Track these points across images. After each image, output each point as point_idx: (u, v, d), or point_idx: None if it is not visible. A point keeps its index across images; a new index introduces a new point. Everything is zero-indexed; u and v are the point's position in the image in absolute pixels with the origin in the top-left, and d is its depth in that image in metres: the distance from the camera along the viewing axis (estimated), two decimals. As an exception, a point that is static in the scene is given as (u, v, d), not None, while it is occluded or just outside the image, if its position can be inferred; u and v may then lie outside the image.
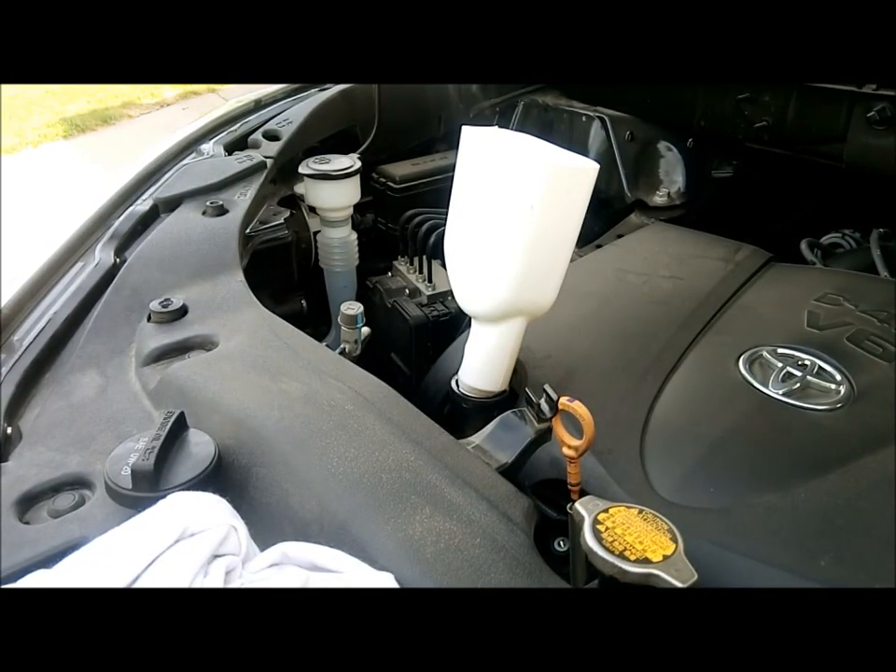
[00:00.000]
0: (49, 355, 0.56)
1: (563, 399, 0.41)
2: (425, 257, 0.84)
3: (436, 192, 0.98)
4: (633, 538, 0.32)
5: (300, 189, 0.93)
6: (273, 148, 0.89)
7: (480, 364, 0.56)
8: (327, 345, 0.60)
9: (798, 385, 0.55)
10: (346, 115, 1.04)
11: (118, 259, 0.66)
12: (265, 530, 0.37)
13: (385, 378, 0.51)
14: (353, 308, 0.69)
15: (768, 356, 0.59)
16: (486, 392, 0.56)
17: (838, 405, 0.53)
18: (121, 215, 0.73)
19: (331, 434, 0.43)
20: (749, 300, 0.69)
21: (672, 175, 1.07)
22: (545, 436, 0.47)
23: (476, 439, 0.48)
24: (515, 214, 0.48)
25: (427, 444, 0.44)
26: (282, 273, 0.85)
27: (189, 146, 0.89)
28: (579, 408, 0.39)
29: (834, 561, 0.40)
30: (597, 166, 0.48)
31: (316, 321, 0.93)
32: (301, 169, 0.88)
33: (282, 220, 0.82)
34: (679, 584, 0.30)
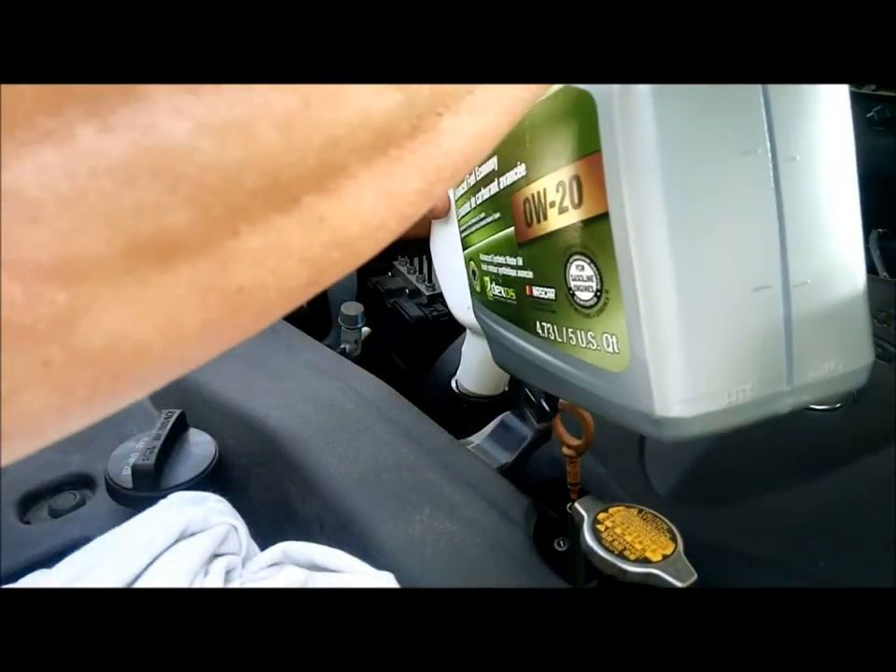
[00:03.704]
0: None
1: (562, 399, 0.41)
2: (424, 257, 0.84)
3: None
4: (632, 537, 0.32)
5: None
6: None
7: (476, 371, 0.56)
8: (327, 345, 0.60)
9: (798, 385, 0.55)
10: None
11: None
12: (265, 529, 0.37)
13: (385, 378, 0.51)
14: (353, 308, 0.69)
15: (768, 356, 0.59)
16: (485, 395, 0.57)
17: (838, 405, 0.53)
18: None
19: (331, 434, 0.43)
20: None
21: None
22: (545, 436, 0.47)
23: (476, 439, 0.49)
24: None
25: (427, 444, 0.44)
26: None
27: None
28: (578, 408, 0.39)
29: (834, 561, 0.40)
30: None
31: (316, 321, 0.93)
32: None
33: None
34: (678, 584, 0.30)
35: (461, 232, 0.35)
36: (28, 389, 0.11)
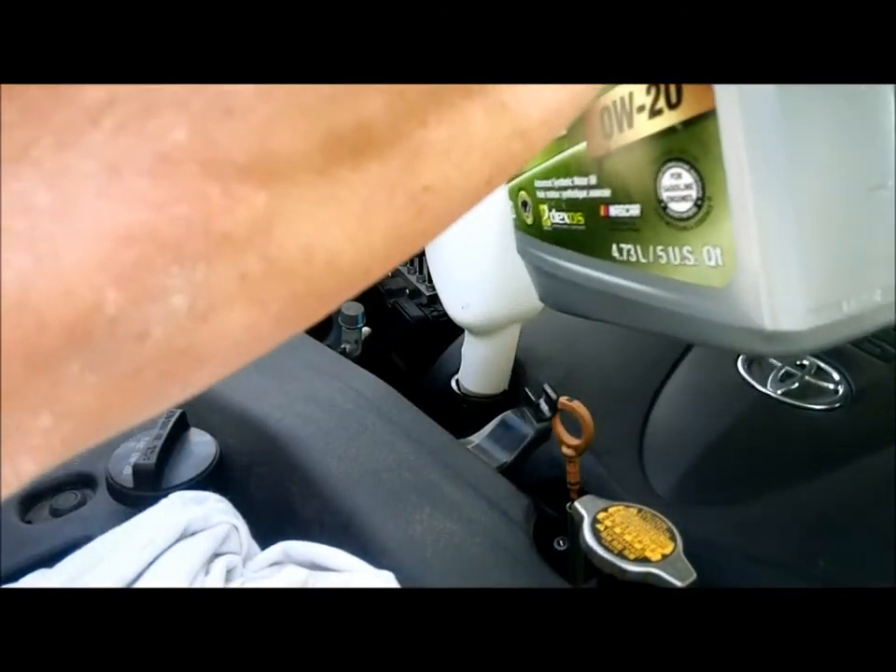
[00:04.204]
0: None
1: (562, 399, 0.41)
2: (425, 257, 0.84)
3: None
4: (632, 537, 0.32)
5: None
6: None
7: (477, 370, 0.56)
8: (327, 345, 0.60)
9: (797, 384, 0.55)
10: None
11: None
12: (266, 529, 0.38)
13: (385, 378, 0.51)
14: (353, 308, 0.69)
15: (768, 356, 0.59)
16: (486, 394, 0.57)
17: (836, 405, 0.53)
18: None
19: (332, 433, 0.43)
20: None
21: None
22: (545, 435, 0.47)
23: (476, 438, 0.49)
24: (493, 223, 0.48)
25: (427, 444, 0.44)
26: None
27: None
28: (578, 407, 0.40)
29: (834, 561, 0.40)
30: None
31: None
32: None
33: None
34: (677, 583, 0.30)
35: None
36: (225, 305, 0.10)
